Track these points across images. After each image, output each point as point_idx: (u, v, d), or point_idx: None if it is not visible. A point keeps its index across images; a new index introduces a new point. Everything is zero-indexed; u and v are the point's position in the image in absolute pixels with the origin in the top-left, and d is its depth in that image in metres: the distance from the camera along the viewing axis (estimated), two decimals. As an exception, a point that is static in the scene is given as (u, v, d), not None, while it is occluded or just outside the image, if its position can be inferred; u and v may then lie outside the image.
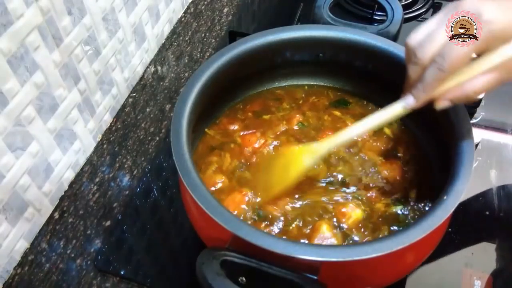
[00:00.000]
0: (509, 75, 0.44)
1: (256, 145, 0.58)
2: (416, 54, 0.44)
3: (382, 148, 0.58)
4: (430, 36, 0.44)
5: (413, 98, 0.47)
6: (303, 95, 0.65)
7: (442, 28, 0.43)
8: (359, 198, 0.53)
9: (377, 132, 0.59)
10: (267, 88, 0.66)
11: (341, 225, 0.50)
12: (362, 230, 0.51)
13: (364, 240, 0.50)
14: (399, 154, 0.58)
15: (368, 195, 0.53)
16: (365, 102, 0.64)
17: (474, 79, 0.44)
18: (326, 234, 0.49)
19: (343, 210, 0.51)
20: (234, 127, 0.61)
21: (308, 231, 0.50)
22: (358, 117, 0.60)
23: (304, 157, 0.52)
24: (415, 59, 0.45)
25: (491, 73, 0.43)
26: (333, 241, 0.49)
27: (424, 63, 0.44)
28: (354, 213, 0.51)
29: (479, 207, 0.62)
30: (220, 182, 0.55)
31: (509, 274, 0.57)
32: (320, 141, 0.53)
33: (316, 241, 0.49)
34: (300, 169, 0.52)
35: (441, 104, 0.46)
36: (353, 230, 0.50)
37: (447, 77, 0.44)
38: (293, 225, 0.51)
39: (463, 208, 0.62)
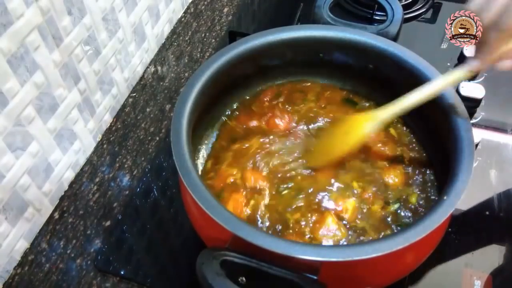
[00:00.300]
0: None
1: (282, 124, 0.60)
2: (481, 16, 0.45)
3: (388, 153, 0.58)
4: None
5: (478, 60, 0.47)
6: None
7: None
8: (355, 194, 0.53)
9: (385, 133, 0.59)
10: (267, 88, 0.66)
11: (343, 221, 0.51)
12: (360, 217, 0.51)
13: (368, 228, 0.50)
14: (402, 155, 0.58)
15: (366, 196, 0.53)
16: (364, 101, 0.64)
17: None
18: (331, 227, 0.50)
19: (340, 205, 0.52)
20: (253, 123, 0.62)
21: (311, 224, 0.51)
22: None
23: (366, 123, 0.53)
24: (482, 20, 0.45)
25: None
26: (338, 233, 0.49)
27: (487, 25, 0.45)
28: (348, 203, 0.52)
29: (479, 207, 0.62)
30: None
31: (509, 274, 0.56)
32: (381, 109, 0.52)
33: (322, 232, 0.49)
34: (360, 135, 0.53)
35: (505, 64, 0.46)
36: (355, 221, 0.51)
37: (509, 38, 0.44)
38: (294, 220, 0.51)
39: (463, 208, 0.62)
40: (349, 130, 0.54)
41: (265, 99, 0.64)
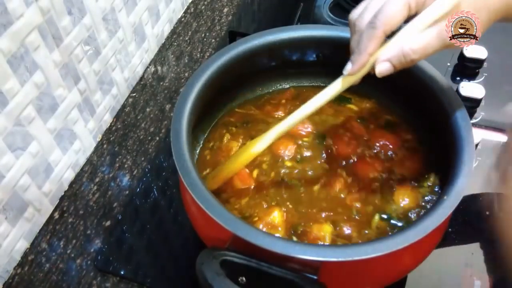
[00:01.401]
0: (445, 40, 0.43)
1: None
2: (356, 24, 0.45)
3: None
4: (367, 6, 0.45)
5: (350, 63, 0.46)
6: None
7: None
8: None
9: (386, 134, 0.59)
10: (267, 88, 0.66)
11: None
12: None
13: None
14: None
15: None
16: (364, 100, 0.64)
17: (412, 38, 0.43)
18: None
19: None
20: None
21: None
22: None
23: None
24: (355, 28, 0.45)
25: (429, 32, 0.43)
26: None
27: (362, 29, 0.45)
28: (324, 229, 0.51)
29: (479, 207, 0.62)
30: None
31: (509, 274, 0.56)
32: (261, 136, 0.50)
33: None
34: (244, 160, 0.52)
35: (381, 67, 0.45)
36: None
37: (381, 36, 0.43)
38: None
39: (463, 208, 0.62)
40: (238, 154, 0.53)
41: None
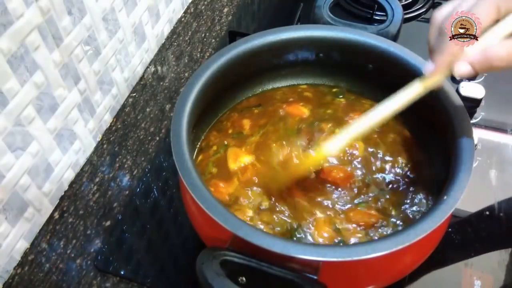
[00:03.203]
0: None
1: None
2: (442, 22, 0.43)
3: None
4: (456, 6, 0.43)
5: (431, 63, 0.44)
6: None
7: (466, 1, 0.42)
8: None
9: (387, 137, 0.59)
10: (268, 88, 0.66)
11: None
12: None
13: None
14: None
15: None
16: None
17: (497, 44, 0.42)
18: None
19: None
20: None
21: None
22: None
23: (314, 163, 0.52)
24: (439, 26, 0.44)
25: None
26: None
27: (445, 29, 0.43)
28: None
29: (479, 207, 0.62)
30: None
31: (509, 274, 0.56)
32: (331, 142, 0.49)
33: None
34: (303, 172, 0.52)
35: (461, 68, 0.43)
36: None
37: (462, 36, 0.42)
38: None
39: (463, 208, 0.62)
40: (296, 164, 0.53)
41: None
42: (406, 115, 0.61)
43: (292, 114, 0.61)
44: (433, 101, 0.53)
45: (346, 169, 0.54)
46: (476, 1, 0.42)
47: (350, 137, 0.48)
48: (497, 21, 0.42)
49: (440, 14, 0.45)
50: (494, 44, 0.42)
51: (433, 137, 0.56)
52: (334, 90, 0.65)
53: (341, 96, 0.64)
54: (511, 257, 0.58)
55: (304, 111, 0.61)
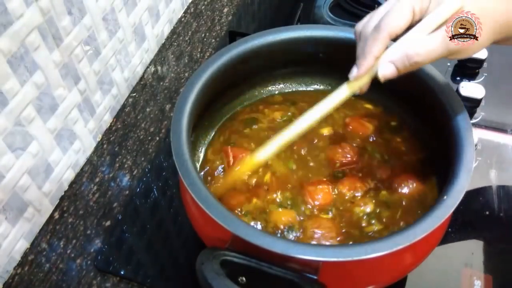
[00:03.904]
0: (449, 45, 0.42)
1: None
2: (362, 31, 0.45)
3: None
4: (373, 15, 0.46)
5: (356, 68, 0.46)
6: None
7: (382, 7, 0.45)
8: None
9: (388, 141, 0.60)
10: (267, 88, 0.66)
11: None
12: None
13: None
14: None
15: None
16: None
17: (416, 41, 0.43)
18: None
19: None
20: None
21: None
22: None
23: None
24: (360, 36, 0.46)
25: (434, 36, 0.42)
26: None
27: (367, 35, 0.45)
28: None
29: (479, 207, 0.62)
30: None
31: (509, 274, 0.57)
32: (266, 144, 0.49)
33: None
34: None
35: (384, 69, 0.44)
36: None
37: (386, 38, 0.43)
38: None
39: (463, 208, 0.62)
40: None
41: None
42: (405, 115, 0.61)
43: None
44: (433, 101, 0.53)
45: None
46: (391, 6, 0.44)
47: (282, 144, 0.48)
48: (413, 23, 0.44)
49: (359, 24, 0.48)
50: (412, 42, 0.43)
51: (433, 137, 0.56)
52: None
53: None
54: (511, 257, 0.58)
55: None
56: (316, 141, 0.59)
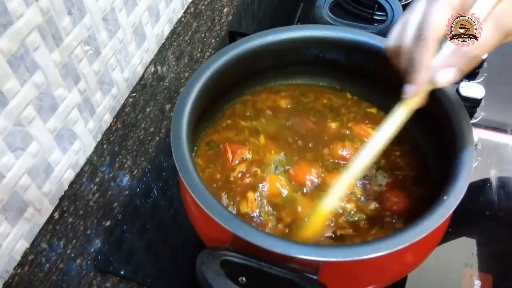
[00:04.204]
0: (504, 26, 0.39)
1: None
2: (400, 46, 0.42)
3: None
4: (405, 24, 0.42)
5: (411, 85, 0.43)
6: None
7: (412, 14, 0.42)
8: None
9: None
10: (267, 88, 0.66)
11: None
12: None
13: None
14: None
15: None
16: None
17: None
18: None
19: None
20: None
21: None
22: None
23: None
24: (401, 50, 0.42)
25: (486, 24, 0.39)
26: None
27: (409, 47, 0.41)
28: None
29: (479, 207, 0.62)
30: None
31: (509, 274, 0.57)
32: (328, 197, 0.46)
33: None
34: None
35: (445, 75, 0.41)
36: None
37: (434, 45, 0.40)
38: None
39: (463, 208, 0.62)
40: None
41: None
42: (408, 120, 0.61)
43: None
44: (433, 101, 0.53)
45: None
46: (424, 9, 0.41)
47: (347, 184, 0.46)
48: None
49: (390, 39, 0.45)
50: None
51: (433, 137, 0.56)
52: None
53: None
54: (511, 257, 0.58)
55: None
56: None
